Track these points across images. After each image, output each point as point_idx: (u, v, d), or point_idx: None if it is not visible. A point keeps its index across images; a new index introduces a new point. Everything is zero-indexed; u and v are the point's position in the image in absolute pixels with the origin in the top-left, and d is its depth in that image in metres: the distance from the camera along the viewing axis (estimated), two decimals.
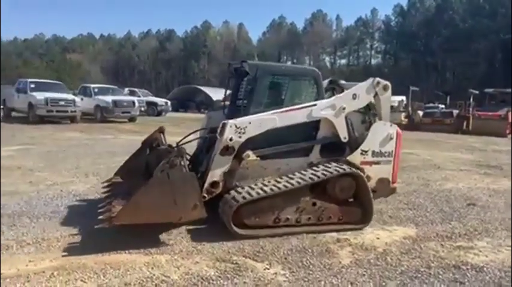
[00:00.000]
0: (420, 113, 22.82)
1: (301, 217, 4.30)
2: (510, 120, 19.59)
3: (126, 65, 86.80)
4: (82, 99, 19.23)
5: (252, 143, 4.34)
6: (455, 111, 21.66)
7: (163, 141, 5.32)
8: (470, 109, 20.64)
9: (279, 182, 4.29)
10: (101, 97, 19.71)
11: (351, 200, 4.60)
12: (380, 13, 74.33)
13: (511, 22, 37.11)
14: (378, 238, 4.26)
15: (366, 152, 4.78)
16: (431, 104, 30.31)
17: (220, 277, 3.22)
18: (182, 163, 4.00)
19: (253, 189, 4.18)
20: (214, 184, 4.24)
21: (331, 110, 4.68)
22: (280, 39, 76.97)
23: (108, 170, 7.39)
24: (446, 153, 11.63)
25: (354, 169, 4.53)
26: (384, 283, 3.22)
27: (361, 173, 4.55)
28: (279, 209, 4.20)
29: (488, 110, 20.67)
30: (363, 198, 4.55)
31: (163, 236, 4.04)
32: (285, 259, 3.64)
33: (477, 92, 21.36)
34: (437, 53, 56.76)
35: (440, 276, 3.39)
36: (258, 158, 4.39)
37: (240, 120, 4.26)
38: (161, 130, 5.39)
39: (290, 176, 4.41)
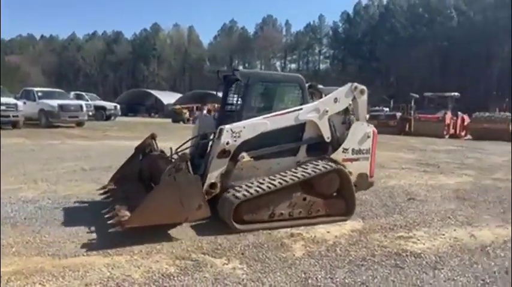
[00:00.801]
0: (367, 116, 23.86)
1: (293, 211, 4.68)
2: (447, 122, 21.09)
3: (71, 67, 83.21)
4: (25, 103, 18.37)
5: (246, 146, 4.68)
6: (399, 114, 22.94)
7: (155, 147, 5.57)
8: (412, 112, 21.95)
9: (273, 180, 4.62)
10: (45, 101, 18.92)
11: (335, 194, 5.04)
12: (328, 20, 76.97)
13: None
14: (328, 232, 4.54)
15: (347, 150, 5.23)
16: (376, 108, 31.81)
17: (180, 273, 3.34)
18: (187, 167, 4.17)
19: (251, 187, 4.50)
20: (212, 185, 4.52)
21: (316, 113, 5.10)
22: (232, 43, 77.37)
23: (57, 176, 7.23)
24: (390, 153, 12.33)
25: (338, 166, 4.98)
26: (333, 272, 3.49)
27: (345, 169, 5.01)
28: (274, 205, 4.56)
29: (428, 113, 22.06)
30: (346, 192, 5.02)
31: (121, 238, 4.07)
32: (242, 254, 3.81)
33: (417, 96, 22.74)
34: (382, 59, 59.55)
35: (383, 263, 3.72)
36: (252, 159, 4.74)
37: (235, 125, 4.60)
38: (153, 137, 5.64)
39: (283, 174, 4.76)
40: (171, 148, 5.18)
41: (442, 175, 8.61)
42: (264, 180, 4.64)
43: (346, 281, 3.32)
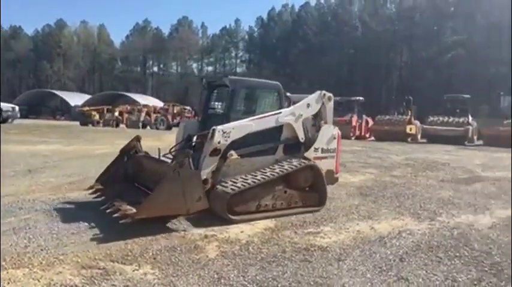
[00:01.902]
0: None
1: (276, 203, 5.26)
2: (353, 124, 22.66)
3: None
4: None
5: (233, 145, 5.13)
6: None
7: (140, 149, 5.94)
8: None
9: (260, 174, 5.15)
10: None
11: (308, 188, 5.68)
12: (243, 24, 78.13)
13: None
14: (242, 232, 4.62)
15: (317, 149, 5.99)
16: None
17: (86, 283, 3.16)
18: (189, 163, 4.50)
19: (241, 181, 4.98)
20: (204, 181, 4.86)
21: (292, 117, 5.75)
22: (145, 43, 74.84)
23: None
24: None
25: (312, 163, 5.66)
26: (246, 270, 3.56)
27: (318, 166, 5.69)
28: (260, 197, 5.11)
29: (337, 116, 23.43)
30: (319, 186, 5.70)
31: (18, 250, 3.74)
32: (154, 259, 3.72)
33: None
34: (295, 64, 62.01)
35: (293, 258, 3.89)
36: (239, 157, 5.21)
37: (225, 126, 5.07)
38: (138, 139, 6.01)
39: (268, 169, 5.32)
40: (159, 149, 5.55)
41: (348, 174, 9.23)
42: (251, 175, 5.12)
43: (258, 278, 3.41)
